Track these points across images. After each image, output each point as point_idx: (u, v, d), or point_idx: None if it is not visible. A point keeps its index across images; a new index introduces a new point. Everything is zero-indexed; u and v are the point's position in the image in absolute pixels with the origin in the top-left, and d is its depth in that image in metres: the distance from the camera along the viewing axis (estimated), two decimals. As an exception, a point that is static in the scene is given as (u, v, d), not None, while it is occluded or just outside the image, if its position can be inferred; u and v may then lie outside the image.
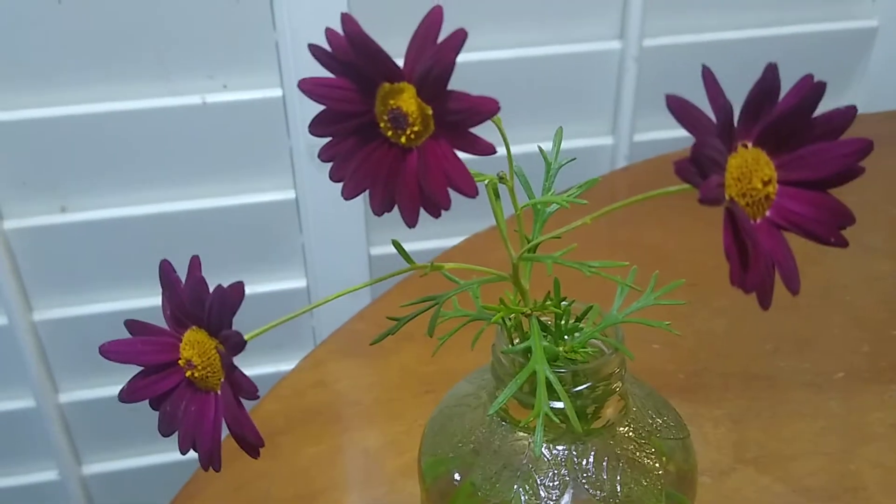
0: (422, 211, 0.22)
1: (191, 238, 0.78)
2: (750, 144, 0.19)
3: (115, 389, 0.82)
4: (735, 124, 0.19)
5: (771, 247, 0.19)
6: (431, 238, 0.80)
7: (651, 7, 0.77)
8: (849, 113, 0.19)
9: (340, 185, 0.23)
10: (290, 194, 0.77)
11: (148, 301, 0.79)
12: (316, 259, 0.80)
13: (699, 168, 0.17)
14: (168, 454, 0.88)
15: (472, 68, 0.75)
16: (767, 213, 0.20)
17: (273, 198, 0.77)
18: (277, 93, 0.73)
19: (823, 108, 0.73)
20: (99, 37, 0.68)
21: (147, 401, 0.24)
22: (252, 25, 0.70)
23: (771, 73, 0.18)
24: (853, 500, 0.42)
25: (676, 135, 0.81)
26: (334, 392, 0.51)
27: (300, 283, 0.82)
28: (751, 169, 0.19)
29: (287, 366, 0.53)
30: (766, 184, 0.19)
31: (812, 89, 0.18)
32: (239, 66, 0.72)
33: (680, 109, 0.18)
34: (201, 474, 0.46)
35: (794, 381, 0.50)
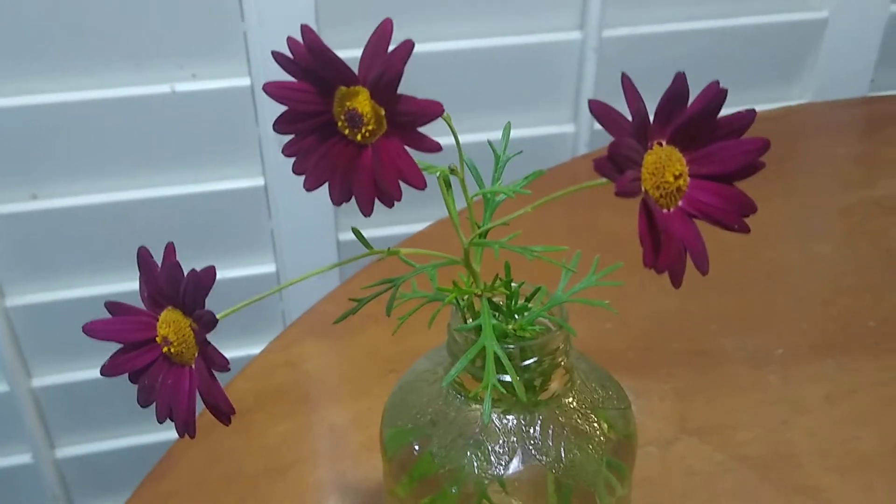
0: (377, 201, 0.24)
1: (161, 225, 0.79)
2: (664, 143, 0.22)
3: (87, 374, 0.84)
4: (650, 124, 0.21)
5: (682, 233, 0.22)
6: (398, 224, 0.82)
7: (610, -1, 0.79)
8: (748, 116, 0.21)
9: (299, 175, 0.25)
10: (259, 181, 0.79)
11: (119, 286, 0.80)
12: (285, 245, 0.82)
13: (616, 164, 0.20)
14: (139, 436, 0.89)
15: (436, 58, 0.77)
16: (680, 204, 0.22)
17: (242, 185, 0.79)
18: (246, 82, 0.74)
19: (778, 94, 0.77)
20: (69, 26, 0.69)
21: (126, 375, 0.26)
22: (221, 15, 0.72)
23: (680, 80, 0.21)
24: (787, 467, 0.45)
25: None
26: (302, 372, 0.53)
27: (270, 268, 0.84)
28: (664, 164, 0.21)
29: (256, 349, 0.55)
30: (677, 177, 0.22)
31: (716, 95, 0.21)
32: (208, 56, 0.74)
33: (600, 112, 0.21)
34: (174, 451, 0.48)
35: (737, 357, 0.53)
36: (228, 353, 0.24)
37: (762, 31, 0.85)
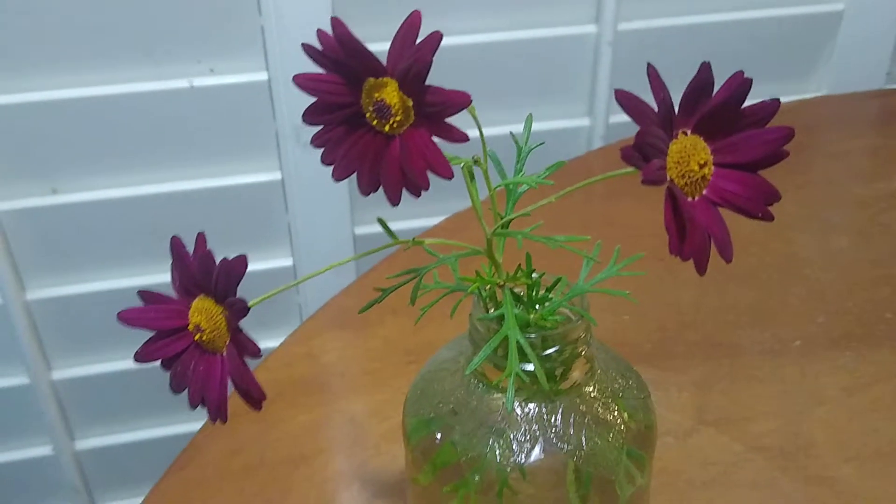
0: (404, 191, 0.24)
1: (179, 218, 0.80)
2: (689, 132, 0.22)
3: (106, 366, 0.85)
4: (675, 114, 0.22)
5: (707, 221, 0.22)
6: (415, 217, 0.83)
7: (625, -7, 0.79)
8: (773, 105, 0.22)
9: (327, 167, 0.25)
10: (276, 175, 0.80)
11: (138, 279, 0.81)
12: (302, 238, 0.83)
13: (642, 153, 0.20)
14: (158, 428, 0.90)
15: (453, 52, 0.77)
16: (704, 192, 0.23)
17: (259, 179, 0.80)
18: (263, 76, 0.75)
19: (794, 87, 0.77)
20: (89, 23, 0.70)
21: (144, 369, 0.26)
22: (238, 10, 0.72)
23: (705, 70, 0.21)
24: (804, 457, 0.46)
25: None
26: (322, 363, 0.54)
27: (286, 261, 0.84)
28: (689, 153, 0.22)
29: (274, 342, 0.56)
30: (702, 166, 0.22)
31: (741, 84, 0.21)
32: (225, 51, 0.74)
33: (627, 102, 0.21)
34: (197, 441, 0.48)
35: (754, 348, 0.53)
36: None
37: (778, 24, 0.85)
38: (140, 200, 0.78)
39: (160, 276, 0.81)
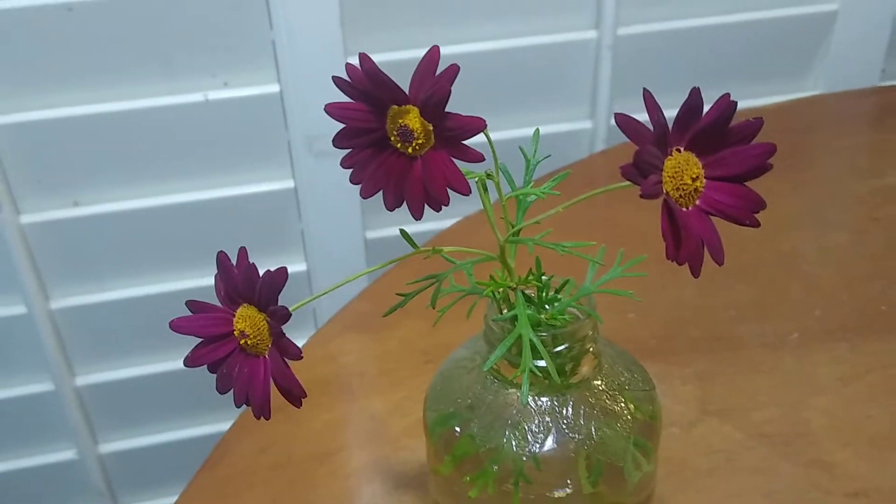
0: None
1: (196, 227, 0.82)
2: (682, 149, 0.25)
3: (128, 372, 0.88)
4: (669, 133, 0.24)
5: (700, 229, 0.25)
6: (424, 221, 0.85)
7: (623, -2, 0.82)
8: (756, 124, 0.24)
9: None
10: (289, 184, 0.82)
11: (157, 287, 0.84)
12: (315, 244, 0.85)
13: (640, 170, 0.23)
14: (178, 431, 0.93)
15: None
16: (697, 203, 0.25)
17: (273, 187, 0.82)
18: (275, 88, 0.78)
19: (790, 86, 0.80)
20: (107, 41, 0.73)
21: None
22: (250, 26, 0.75)
23: (695, 95, 0.23)
24: (803, 444, 0.48)
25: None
26: (342, 365, 0.57)
27: (301, 266, 0.87)
28: (682, 168, 0.24)
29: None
30: (694, 179, 0.24)
31: (727, 106, 0.24)
32: (239, 65, 0.77)
33: (625, 124, 0.23)
34: (226, 441, 0.51)
35: (754, 342, 0.56)
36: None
37: (774, 25, 0.87)
38: (159, 211, 0.80)
39: (179, 283, 0.84)
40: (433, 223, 0.83)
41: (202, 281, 0.84)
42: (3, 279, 0.79)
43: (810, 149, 0.80)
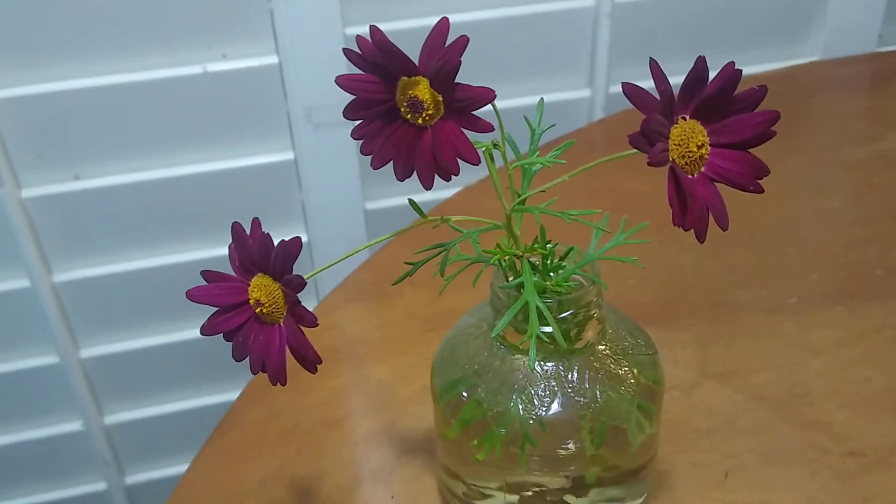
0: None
1: (197, 200, 0.83)
2: (688, 117, 0.25)
3: (132, 344, 0.89)
4: (675, 102, 0.25)
5: (705, 195, 0.25)
6: (420, 192, 0.86)
7: (621, -34, 0.82)
8: (760, 91, 0.25)
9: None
10: (289, 155, 0.82)
11: (159, 259, 0.84)
12: (315, 215, 0.86)
13: (647, 138, 0.23)
14: (183, 402, 0.94)
15: (455, 29, 0.79)
16: (702, 170, 0.26)
17: (273, 159, 0.82)
18: (274, 60, 0.77)
19: (788, 52, 0.80)
20: (106, 14, 0.72)
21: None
22: (247, -3, 0.75)
23: (701, 63, 0.24)
24: (801, 405, 0.49)
25: (648, 86, 0.86)
26: (347, 333, 0.57)
27: (301, 237, 0.87)
28: (688, 136, 0.25)
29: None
30: (700, 147, 0.25)
31: (732, 74, 0.24)
32: (237, 37, 0.77)
33: (632, 93, 0.24)
34: (236, 409, 0.52)
35: (753, 306, 0.57)
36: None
37: (772, -9, 0.87)
38: (159, 183, 0.81)
39: (181, 256, 0.84)
40: (431, 194, 0.83)
41: (203, 253, 0.85)
42: (5, 253, 0.79)
43: (808, 115, 0.80)
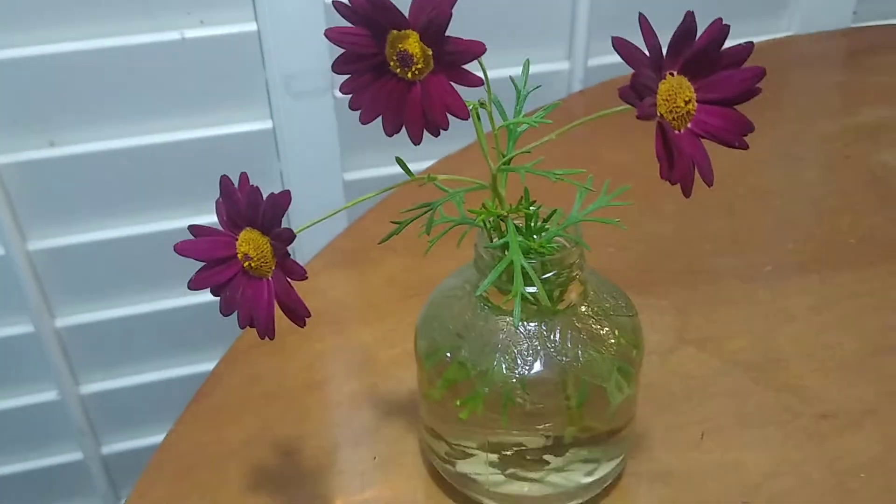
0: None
1: (174, 168, 0.82)
2: (676, 73, 0.26)
3: (108, 313, 0.88)
4: (664, 58, 0.25)
5: (692, 151, 0.26)
6: (398, 169, 0.85)
7: (602, -63, 0.82)
8: (747, 48, 0.25)
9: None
10: (267, 124, 0.82)
11: (136, 228, 0.83)
12: (293, 185, 0.85)
13: (637, 92, 0.24)
14: (159, 372, 0.93)
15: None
16: (689, 125, 0.26)
17: (251, 128, 0.82)
18: (252, 27, 0.77)
19: (764, 27, 0.81)
20: (80, -23, 0.71)
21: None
22: (226, -38, 0.74)
23: (689, 18, 0.24)
24: (775, 369, 0.50)
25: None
26: (330, 299, 0.57)
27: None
28: (676, 92, 0.25)
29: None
30: (687, 102, 0.25)
31: (720, 30, 0.25)
32: (215, 2, 0.76)
33: (622, 47, 0.24)
34: (218, 372, 0.52)
35: (729, 274, 0.58)
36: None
37: (750, -35, 0.88)
38: (135, 151, 0.80)
39: (157, 225, 0.84)
40: (413, 162, 0.83)
41: (180, 221, 0.84)
42: (-22, 221, 0.78)
43: (783, 88, 0.81)
